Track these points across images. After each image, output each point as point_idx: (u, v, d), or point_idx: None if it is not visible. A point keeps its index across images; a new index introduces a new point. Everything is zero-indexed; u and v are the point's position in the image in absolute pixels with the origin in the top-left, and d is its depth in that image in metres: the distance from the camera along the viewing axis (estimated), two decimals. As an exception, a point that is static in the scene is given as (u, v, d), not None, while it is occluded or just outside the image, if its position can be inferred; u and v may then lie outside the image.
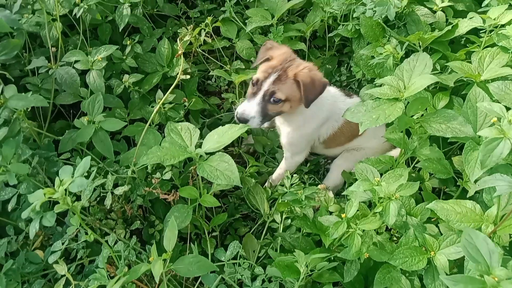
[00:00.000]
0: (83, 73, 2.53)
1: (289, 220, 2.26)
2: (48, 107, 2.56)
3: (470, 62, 2.37)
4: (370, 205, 2.05)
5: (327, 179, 2.80)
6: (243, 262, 2.04)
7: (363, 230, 1.84)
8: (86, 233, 1.76)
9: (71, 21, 2.78)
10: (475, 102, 2.03)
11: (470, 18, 2.58)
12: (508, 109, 1.54)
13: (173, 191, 2.17)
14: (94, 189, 2.02)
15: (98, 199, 2.11)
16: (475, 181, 1.81)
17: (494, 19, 2.43)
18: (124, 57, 2.78)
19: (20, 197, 1.98)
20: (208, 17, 2.88)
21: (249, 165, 2.64)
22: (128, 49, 2.80)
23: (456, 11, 2.82)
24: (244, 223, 2.60)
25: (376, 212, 1.83)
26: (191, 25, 2.77)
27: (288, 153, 2.68)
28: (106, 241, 1.87)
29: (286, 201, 2.18)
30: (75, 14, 2.61)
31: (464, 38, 2.73)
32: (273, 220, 2.32)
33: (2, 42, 2.13)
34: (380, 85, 2.03)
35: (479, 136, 1.92)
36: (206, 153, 1.96)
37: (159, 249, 1.76)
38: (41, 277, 2.07)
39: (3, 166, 1.87)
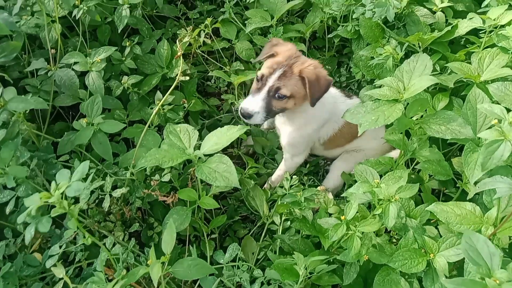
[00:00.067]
0: (82, 75, 2.53)
1: (289, 222, 2.26)
2: (47, 109, 2.55)
3: (470, 63, 2.36)
4: (370, 207, 2.04)
5: (327, 180, 2.79)
6: (242, 265, 2.03)
7: (363, 232, 1.84)
8: (85, 236, 1.76)
9: (71, 23, 2.78)
10: (475, 103, 2.02)
11: (470, 18, 2.57)
12: (508, 110, 1.53)
13: (172, 193, 2.17)
14: (93, 192, 2.01)
15: (96, 201, 2.11)
16: (475, 183, 1.80)
17: (494, 20, 2.42)
18: (123, 59, 2.78)
19: (18, 200, 1.98)
20: (208, 18, 2.88)
21: (248, 167, 2.63)
22: (127, 51, 2.80)
23: (455, 12, 2.81)
24: (243, 225, 2.60)
25: (376, 214, 1.83)
26: (191, 26, 2.76)
27: (288, 154, 2.67)
28: (104, 244, 1.87)
29: (285, 203, 2.18)
30: (75, 16, 2.60)
31: (464, 39, 2.72)
32: (272, 222, 2.31)
33: (1, 44, 2.12)
34: (380, 86, 2.03)
35: (479, 138, 1.91)
36: (205, 155, 1.95)
37: (157, 252, 1.76)
38: (39, 280, 2.06)
39: (1, 169, 1.86)
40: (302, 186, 2.30)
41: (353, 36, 2.90)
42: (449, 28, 2.57)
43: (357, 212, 1.87)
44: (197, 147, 1.99)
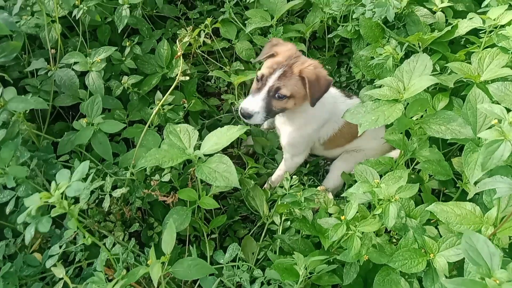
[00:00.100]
0: (82, 75, 2.53)
1: (289, 222, 2.26)
2: (47, 109, 2.55)
3: (470, 63, 2.36)
4: (370, 207, 2.04)
5: (327, 180, 2.79)
6: (242, 265, 2.03)
7: (363, 232, 1.84)
8: (84, 236, 1.75)
9: (71, 23, 2.78)
10: (475, 103, 2.02)
11: (470, 18, 2.57)
12: (508, 110, 1.53)
13: (172, 193, 2.17)
14: (93, 192, 2.01)
15: (96, 201, 2.11)
16: (475, 183, 1.80)
17: (494, 20, 2.42)
18: (123, 59, 2.78)
19: (18, 200, 1.97)
20: (208, 18, 2.88)
21: (248, 167, 2.63)
22: (127, 51, 2.80)
23: (455, 12, 2.81)
24: (243, 225, 2.60)
25: (376, 214, 1.83)
26: (191, 26, 2.76)
27: (288, 154, 2.67)
28: (104, 244, 1.87)
29: (285, 203, 2.18)
30: (75, 16, 2.60)
31: (464, 39, 2.72)
32: (273, 222, 2.31)
33: (1, 44, 2.12)
34: (380, 86, 2.03)
35: (479, 138, 1.91)
36: (205, 155, 1.95)
37: (157, 252, 1.76)
38: (39, 280, 2.06)
39: (1, 169, 1.86)
40: (302, 186, 2.30)
41: (353, 36, 2.90)
42: (449, 28, 2.57)
43: (357, 212, 1.87)
44: (197, 147, 1.99)
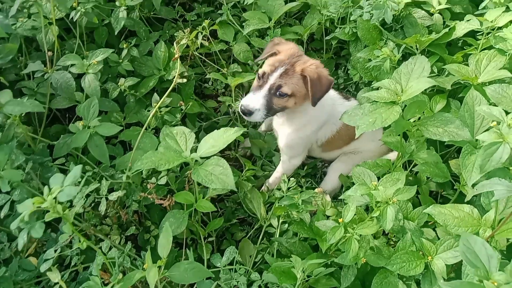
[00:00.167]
0: (79, 77, 2.52)
1: (286, 225, 2.25)
2: (43, 111, 2.53)
3: (467, 65, 2.36)
4: (368, 209, 2.03)
5: (325, 182, 2.78)
6: (239, 268, 2.02)
7: (360, 235, 1.83)
8: (80, 240, 1.74)
9: (68, 25, 2.77)
10: (473, 105, 2.02)
11: (467, 20, 2.57)
12: (507, 113, 1.53)
13: (168, 196, 2.15)
14: (89, 195, 2.00)
15: (92, 204, 2.09)
16: (473, 185, 1.80)
17: (491, 22, 2.42)
18: (121, 61, 2.77)
19: (14, 204, 1.96)
20: (205, 20, 2.87)
21: (246, 169, 2.62)
22: (124, 53, 2.79)
23: (453, 14, 2.81)
24: (240, 228, 2.59)
25: (373, 217, 1.82)
26: (188, 28, 2.75)
27: (286, 156, 2.66)
28: (100, 248, 1.85)
29: (283, 205, 2.17)
30: (72, 18, 2.59)
31: (462, 41, 2.73)
32: (270, 225, 2.30)
33: (-3, 46, 2.11)
34: (378, 88, 2.03)
35: (477, 140, 1.91)
36: (202, 158, 1.94)
37: (154, 255, 1.74)
38: (35, 285, 2.05)
39: (-4, 172, 1.85)
40: (300, 189, 2.28)
41: (350, 38, 2.90)
42: (446, 30, 2.57)
43: (355, 214, 1.86)
44: (194, 149, 1.98)
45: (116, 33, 2.79)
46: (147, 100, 2.82)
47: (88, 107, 2.25)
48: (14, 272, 1.97)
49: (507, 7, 2.53)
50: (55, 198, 1.39)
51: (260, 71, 2.28)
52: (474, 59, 2.35)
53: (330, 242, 1.85)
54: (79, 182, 1.66)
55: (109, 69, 2.80)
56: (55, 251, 1.89)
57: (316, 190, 2.40)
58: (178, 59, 2.43)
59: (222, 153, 2.75)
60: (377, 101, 1.96)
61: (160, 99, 2.40)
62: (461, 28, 2.56)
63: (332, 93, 2.60)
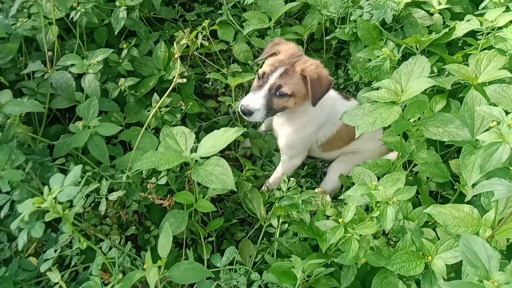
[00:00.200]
0: (79, 77, 2.52)
1: (286, 225, 2.25)
2: (43, 111, 2.53)
3: (467, 65, 2.36)
4: (368, 209, 2.03)
5: (325, 182, 2.78)
6: (239, 268, 2.02)
7: (360, 235, 1.83)
8: (80, 240, 1.74)
9: (68, 25, 2.77)
10: (473, 106, 2.02)
11: (467, 20, 2.57)
12: (507, 113, 1.53)
13: (168, 196, 2.15)
14: (89, 195, 2.00)
15: (92, 204, 2.09)
16: (473, 185, 1.80)
17: (491, 22, 2.42)
18: (121, 61, 2.77)
19: (14, 204, 1.96)
20: (205, 20, 2.87)
21: (246, 169, 2.62)
22: (124, 53, 2.79)
23: (453, 14, 2.81)
24: (240, 228, 2.58)
25: (373, 217, 1.82)
26: (188, 28, 2.75)
27: (286, 156, 2.66)
28: (100, 248, 1.85)
29: (283, 205, 2.17)
30: (72, 18, 2.59)
31: (462, 41, 2.73)
32: (270, 225, 2.30)
33: (-3, 46, 2.11)
34: (378, 88, 2.02)
35: (477, 140, 1.91)
36: (202, 158, 1.94)
37: (154, 255, 1.74)
38: (35, 285, 2.05)
39: (-3, 172, 1.85)
40: (300, 189, 2.28)
41: (350, 38, 2.90)
42: (446, 30, 2.57)
43: (355, 214, 1.86)
44: (194, 149, 1.98)
45: (116, 33, 2.79)
46: (147, 100, 2.82)
47: (88, 107, 2.25)
48: (14, 272, 1.97)
49: (507, 7, 2.53)
50: (55, 198, 1.38)
51: (260, 71, 2.28)
52: (474, 59, 2.35)
53: (330, 242, 1.85)
54: (79, 182, 1.65)
55: (109, 69, 2.80)
56: (55, 251, 1.89)
57: (316, 190, 2.40)
58: (178, 59, 2.43)
59: (222, 153, 2.75)
60: (377, 101, 1.96)
61: (160, 99, 2.40)
62: (461, 28, 2.56)
63: (332, 93, 2.59)
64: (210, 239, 2.36)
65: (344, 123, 2.31)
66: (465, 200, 1.96)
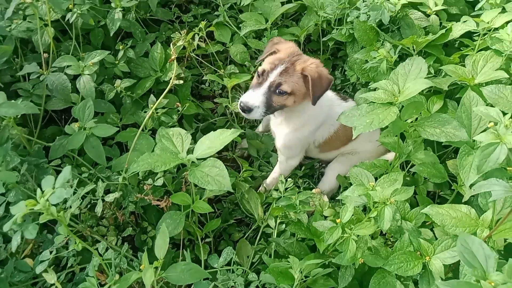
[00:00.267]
0: (75, 79, 2.51)
1: (284, 225, 2.25)
2: (39, 113, 2.52)
3: (464, 66, 2.36)
4: (365, 209, 2.03)
5: (322, 183, 2.78)
6: (237, 269, 2.01)
7: (358, 235, 1.83)
8: (75, 242, 1.73)
9: (64, 26, 2.76)
10: (470, 106, 2.02)
11: (464, 21, 2.58)
12: (504, 113, 1.53)
13: (165, 197, 2.15)
14: (85, 196, 1.99)
15: (89, 206, 2.08)
16: (470, 186, 1.80)
17: (488, 23, 2.43)
18: (117, 62, 2.76)
19: (9, 205, 1.94)
20: (202, 22, 2.87)
21: (243, 170, 2.61)
22: (120, 54, 2.78)
23: (449, 15, 2.82)
24: (238, 229, 2.58)
25: (371, 217, 1.82)
26: (185, 30, 2.75)
27: (283, 156, 2.66)
28: (96, 249, 1.84)
29: (280, 206, 2.16)
30: (67, 19, 2.58)
31: (458, 42, 2.74)
32: (267, 225, 2.30)
33: (-9, 48, 2.10)
34: (375, 89, 2.02)
35: (474, 140, 1.91)
36: (198, 159, 1.93)
37: (151, 256, 1.74)
38: (31, 286, 2.03)
39: (-9, 174, 1.84)
40: (297, 189, 2.28)
41: (347, 39, 2.90)
42: (443, 31, 2.57)
43: (352, 215, 1.85)
44: (191, 151, 1.98)
45: (112, 35, 2.78)
46: (143, 102, 2.81)
47: (84, 109, 2.24)
48: (10, 274, 1.95)
49: (503, 8, 2.54)
50: (47, 200, 1.37)
51: (260, 68, 2.28)
52: (470, 60, 2.35)
53: (328, 243, 1.85)
54: (71, 185, 1.64)
55: (105, 71, 2.79)
56: (51, 252, 1.87)
57: (313, 190, 2.41)
58: (175, 61, 2.43)
59: (219, 154, 2.74)
60: (374, 102, 1.96)
61: (157, 100, 2.40)
62: (458, 29, 2.56)
63: (330, 94, 2.60)
64: (207, 239, 2.35)
65: (341, 124, 2.31)
66: (463, 201, 1.96)
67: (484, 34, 2.47)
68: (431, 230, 2.01)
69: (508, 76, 2.16)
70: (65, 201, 1.72)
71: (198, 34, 2.84)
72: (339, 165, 2.76)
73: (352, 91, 3.13)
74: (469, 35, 2.59)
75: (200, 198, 2.13)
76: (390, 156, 2.58)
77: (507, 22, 2.37)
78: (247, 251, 2.27)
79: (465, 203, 1.87)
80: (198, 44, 2.84)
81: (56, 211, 1.40)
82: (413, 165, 2.22)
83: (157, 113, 2.53)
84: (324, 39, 3.10)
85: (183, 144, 1.98)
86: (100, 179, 2.17)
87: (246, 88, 2.80)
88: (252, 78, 2.86)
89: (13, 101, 2.00)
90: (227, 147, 2.67)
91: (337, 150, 2.78)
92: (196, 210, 2.07)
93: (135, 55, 2.84)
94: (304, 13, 3.19)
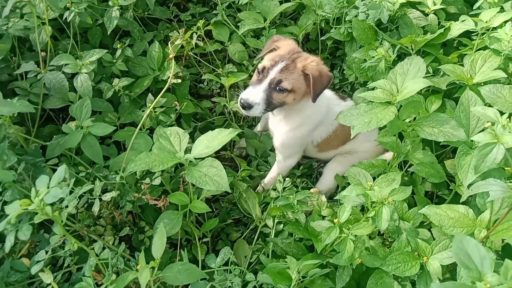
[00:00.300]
0: (72, 77, 2.51)
1: (281, 225, 2.24)
2: (36, 111, 2.51)
3: (462, 65, 2.36)
4: (363, 209, 2.02)
5: (320, 182, 2.78)
6: (234, 269, 2.01)
7: (356, 235, 1.82)
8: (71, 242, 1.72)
9: (61, 25, 2.75)
10: (468, 106, 2.02)
11: (462, 21, 2.57)
12: (502, 113, 1.53)
13: (163, 197, 2.14)
14: (82, 196, 1.98)
15: (86, 205, 2.07)
16: (468, 186, 1.80)
17: (486, 22, 2.43)
18: (115, 61, 2.76)
19: (6, 204, 1.93)
20: (200, 20, 2.86)
21: (241, 169, 2.61)
22: (118, 53, 2.77)
23: (448, 14, 2.81)
24: (236, 228, 2.57)
25: (369, 217, 1.81)
26: (183, 28, 2.73)
27: (281, 156, 2.65)
28: (93, 249, 1.83)
29: (278, 205, 2.16)
30: (65, 18, 2.57)
31: (457, 41, 2.73)
32: (265, 225, 2.29)
33: (-13, 47, 2.09)
34: (373, 89, 2.02)
35: (472, 140, 1.90)
36: (196, 159, 1.92)
37: (148, 256, 1.73)
38: (27, 286, 2.03)
39: (-13, 173, 1.83)
40: (295, 189, 2.28)
41: (346, 38, 2.89)
42: (441, 30, 2.57)
43: (350, 215, 1.85)
44: (189, 150, 1.97)
45: (109, 33, 2.77)
46: (141, 100, 2.80)
47: (81, 107, 2.23)
48: (6, 273, 1.95)
49: (502, 8, 2.53)
50: (41, 200, 1.36)
51: (260, 65, 2.27)
52: (469, 60, 2.35)
53: (326, 243, 1.84)
54: (68, 184, 1.63)
55: (103, 69, 2.78)
56: (47, 252, 1.86)
57: (311, 190, 2.40)
58: (173, 59, 2.42)
59: (217, 153, 2.74)
60: (372, 102, 1.96)
61: (155, 99, 2.39)
62: (456, 28, 2.56)
63: (328, 93, 2.59)
64: (205, 239, 2.35)
65: (340, 123, 2.30)
66: (461, 201, 1.96)
67: (483, 34, 2.47)
68: (429, 230, 2.00)
69: (506, 76, 2.16)
70: (61, 200, 1.71)
71: (196, 33, 2.82)
72: (337, 164, 2.75)
73: (351, 90, 3.13)
74: (467, 34, 2.58)
75: (198, 198, 2.13)
76: (388, 155, 2.57)
77: (506, 22, 2.37)
78: (245, 251, 2.27)
79: (463, 203, 1.87)
80: (196, 43, 2.82)
81: (51, 211, 1.39)
82: (411, 165, 2.21)
83: (155, 112, 2.52)
84: (323, 38, 3.09)
85: (181, 144, 1.97)
86: (97, 178, 2.16)
87: (245, 87, 2.79)
88: (250, 77, 2.86)
89: (8, 99, 1.99)
90: (225, 146, 2.65)
91: (336, 150, 2.77)
92: (194, 210, 2.06)
93: (133, 53, 2.83)
94: (302, 12, 3.18)
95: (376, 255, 1.89)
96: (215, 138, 1.92)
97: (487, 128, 1.49)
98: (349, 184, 2.01)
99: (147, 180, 2.12)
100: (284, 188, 2.20)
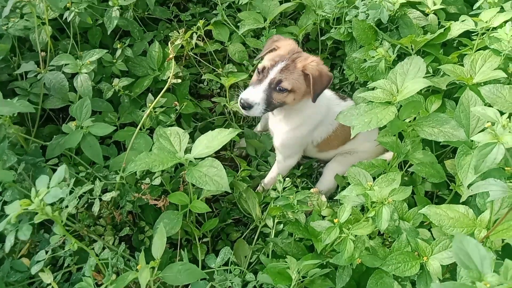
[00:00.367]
0: (72, 77, 2.51)
1: (281, 225, 2.24)
2: (36, 112, 2.51)
3: (462, 65, 2.36)
4: (363, 209, 2.02)
5: (320, 182, 2.78)
6: (234, 269, 2.01)
7: (356, 235, 1.82)
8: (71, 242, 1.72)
9: (61, 25, 2.75)
10: (468, 106, 2.02)
11: (462, 21, 2.57)
12: (502, 113, 1.52)
13: (163, 197, 2.14)
14: (82, 196, 1.98)
15: (86, 205, 2.07)
16: (468, 186, 1.80)
17: (486, 22, 2.43)
18: (115, 61, 2.76)
19: (6, 204, 1.93)
20: (200, 20, 2.86)
21: (241, 169, 2.61)
22: (118, 53, 2.78)
23: (448, 14, 2.81)
24: (236, 228, 2.57)
25: (369, 217, 1.81)
26: (183, 28, 2.73)
27: (281, 156, 2.65)
28: (93, 249, 1.83)
29: (278, 205, 2.16)
30: (65, 18, 2.57)
31: (456, 41, 2.73)
32: (265, 225, 2.29)
33: (-13, 47, 2.09)
34: (373, 89, 2.02)
35: (472, 140, 1.90)
36: (196, 159, 1.92)
37: (148, 256, 1.73)
38: (27, 286, 2.03)
39: (-13, 174, 1.83)
40: (295, 189, 2.28)
41: (346, 38, 2.89)
42: (441, 30, 2.57)
43: (350, 215, 1.85)
44: (189, 150, 1.97)
45: (109, 33, 2.77)
46: (141, 100, 2.80)
47: (81, 107, 2.23)
48: (6, 273, 1.95)
49: (502, 8, 2.53)
50: (41, 200, 1.36)
51: (260, 65, 2.27)
52: (469, 60, 2.35)
53: (326, 243, 1.84)
54: (68, 184, 1.63)
55: (103, 69, 2.78)
56: (47, 252, 1.86)
57: (311, 190, 2.40)
58: (173, 59, 2.42)
59: (217, 153, 2.74)
60: (372, 101, 1.96)
61: (155, 99, 2.39)
62: (456, 28, 2.56)
63: (328, 93, 2.59)
64: (205, 239, 2.35)
65: (340, 123, 2.30)
66: (461, 201, 1.96)
67: (483, 34, 2.47)
68: (429, 230, 2.00)
69: (506, 76, 2.16)
70: (61, 200, 1.72)
71: (196, 33, 2.82)
72: (337, 164, 2.75)
73: (351, 90, 3.13)
74: (467, 34, 2.58)
75: (198, 198, 2.13)
76: (388, 155, 2.57)
77: (506, 22, 2.37)
78: (245, 251, 2.27)
79: (463, 203, 1.86)
80: (196, 43, 2.82)
81: (51, 211, 1.39)
82: (411, 165, 2.21)
83: (155, 112, 2.52)
84: (323, 38, 3.09)
85: (181, 144, 1.97)
86: (97, 178, 2.16)
87: (245, 87, 2.79)
88: (250, 77, 2.86)
89: (8, 99, 1.99)
90: (225, 146, 2.65)
91: (336, 150, 2.77)
92: (194, 210, 2.06)
93: (133, 53, 2.83)
94: (302, 12, 3.18)
95: (376, 255, 1.89)
96: (215, 138, 1.92)
97: (487, 128, 1.49)
98: (349, 184, 2.01)
99: (147, 180, 2.12)
100: (284, 188, 2.20)
